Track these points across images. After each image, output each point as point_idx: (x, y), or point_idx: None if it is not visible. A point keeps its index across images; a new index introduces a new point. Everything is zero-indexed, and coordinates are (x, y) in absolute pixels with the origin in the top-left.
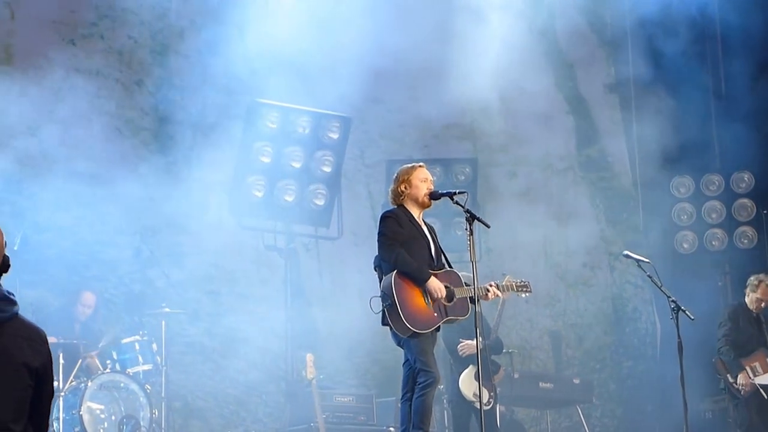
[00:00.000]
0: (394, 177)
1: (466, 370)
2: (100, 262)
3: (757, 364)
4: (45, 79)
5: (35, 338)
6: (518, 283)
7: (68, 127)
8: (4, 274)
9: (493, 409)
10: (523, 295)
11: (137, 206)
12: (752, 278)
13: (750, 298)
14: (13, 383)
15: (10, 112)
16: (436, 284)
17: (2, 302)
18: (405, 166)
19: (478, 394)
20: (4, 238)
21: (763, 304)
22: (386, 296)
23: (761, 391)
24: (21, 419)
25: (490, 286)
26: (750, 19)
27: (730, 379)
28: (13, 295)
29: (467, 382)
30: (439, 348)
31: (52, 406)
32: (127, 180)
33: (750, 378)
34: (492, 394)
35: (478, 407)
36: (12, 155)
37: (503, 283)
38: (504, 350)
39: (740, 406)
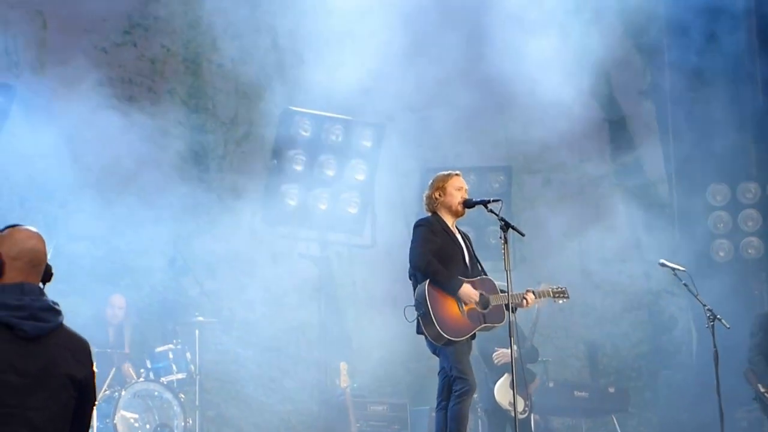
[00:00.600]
0: (429, 184)
1: (501, 379)
2: (134, 271)
3: None
4: (77, 87)
5: (79, 349)
6: (555, 290)
7: (100, 136)
8: (47, 283)
9: (528, 418)
10: (560, 302)
11: (170, 215)
12: None
13: None
14: (57, 394)
15: (43, 120)
16: (468, 290)
17: (47, 312)
18: (441, 173)
19: (513, 402)
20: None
21: None
22: (420, 305)
23: None
24: (63, 430)
25: (527, 292)
26: None
27: (762, 389)
28: (57, 304)
29: (502, 391)
30: (473, 356)
31: None
32: (159, 188)
33: None
34: (527, 403)
35: (513, 416)
36: (45, 164)
37: (539, 290)
38: (539, 359)
39: None
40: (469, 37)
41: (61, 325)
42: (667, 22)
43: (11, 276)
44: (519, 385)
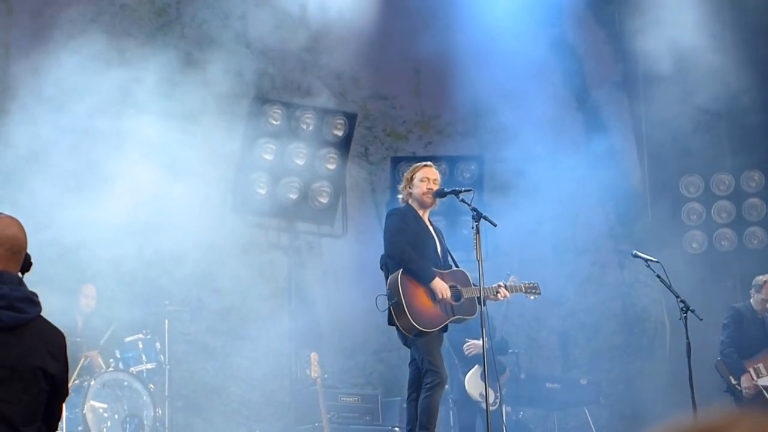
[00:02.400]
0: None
1: (472, 370)
2: (103, 260)
3: (760, 365)
4: (43, 74)
5: (55, 343)
6: (527, 285)
7: (68, 124)
8: (27, 273)
9: (499, 409)
10: (532, 297)
11: (140, 203)
12: (758, 278)
13: (755, 299)
14: (27, 387)
15: (11, 110)
16: (440, 284)
17: (25, 303)
18: (414, 165)
19: (484, 394)
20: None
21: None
22: (392, 294)
23: (765, 393)
24: (34, 422)
25: (500, 286)
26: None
27: (733, 381)
28: (36, 296)
29: (473, 383)
30: (444, 348)
31: None
32: (128, 177)
33: (753, 380)
34: (498, 394)
35: (484, 407)
36: (12, 153)
37: (508, 284)
38: (510, 350)
39: (744, 408)
40: (439, 25)
41: (38, 317)
42: (640, 10)
43: None
44: (490, 377)
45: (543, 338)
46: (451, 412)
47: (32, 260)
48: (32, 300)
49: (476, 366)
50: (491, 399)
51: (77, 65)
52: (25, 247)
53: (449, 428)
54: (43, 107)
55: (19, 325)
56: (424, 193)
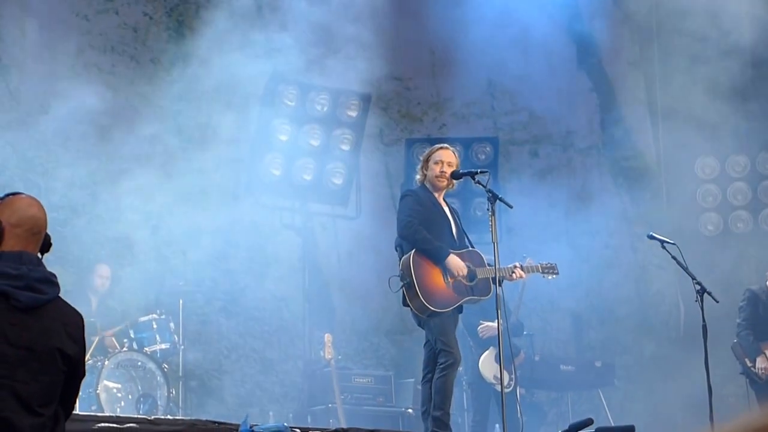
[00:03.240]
0: None
1: (486, 352)
2: (116, 240)
3: None
4: (58, 54)
5: (73, 324)
6: (544, 265)
7: (82, 104)
8: (46, 254)
9: (514, 391)
10: (550, 277)
11: (153, 183)
12: None
13: None
14: (45, 368)
15: (22, 88)
16: (456, 262)
17: (44, 283)
18: (432, 146)
19: (498, 376)
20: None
21: None
22: (404, 275)
23: None
24: (50, 403)
25: (515, 267)
26: None
27: (749, 363)
28: (55, 276)
29: (487, 364)
30: (458, 329)
31: None
32: (142, 157)
33: None
34: (512, 376)
35: (499, 389)
36: (25, 132)
37: (525, 265)
38: (524, 332)
39: (760, 390)
40: (453, 6)
41: (57, 298)
42: None
43: (10, 244)
44: (505, 359)
45: (557, 321)
46: (465, 394)
47: (51, 241)
48: (51, 281)
49: (491, 348)
50: (506, 381)
51: (89, 45)
52: (45, 228)
53: (463, 410)
54: (55, 84)
55: (38, 306)
56: (436, 176)
